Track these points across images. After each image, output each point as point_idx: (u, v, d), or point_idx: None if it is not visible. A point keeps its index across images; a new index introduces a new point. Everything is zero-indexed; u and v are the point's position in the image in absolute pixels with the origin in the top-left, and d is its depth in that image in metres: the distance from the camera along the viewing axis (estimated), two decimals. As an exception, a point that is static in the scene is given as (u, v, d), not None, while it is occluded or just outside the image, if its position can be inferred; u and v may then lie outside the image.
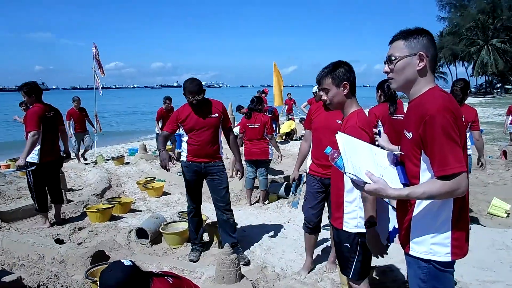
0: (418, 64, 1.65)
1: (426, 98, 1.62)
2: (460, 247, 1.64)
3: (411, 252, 1.72)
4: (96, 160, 9.71)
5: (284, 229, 4.69)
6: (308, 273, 3.54)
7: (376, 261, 3.67)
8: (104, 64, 10.41)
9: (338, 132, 1.81)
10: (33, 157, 4.65)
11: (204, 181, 3.95)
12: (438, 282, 1.67)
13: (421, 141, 1.58)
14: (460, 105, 4.16)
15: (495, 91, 54.88)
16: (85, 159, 9.88)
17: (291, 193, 4.20)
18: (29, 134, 4.56)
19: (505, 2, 47.16)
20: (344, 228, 2.31)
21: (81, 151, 9.77)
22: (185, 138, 3.88)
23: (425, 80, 1.66)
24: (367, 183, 1.57)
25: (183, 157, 3.92)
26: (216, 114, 3.77)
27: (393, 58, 1.70)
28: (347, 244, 2.30)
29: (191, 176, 3.87)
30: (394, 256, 3.77)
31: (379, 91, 3.96)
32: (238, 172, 4.03)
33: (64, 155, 5.30)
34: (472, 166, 4.75)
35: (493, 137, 12.26)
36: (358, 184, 1.63)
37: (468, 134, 4.23)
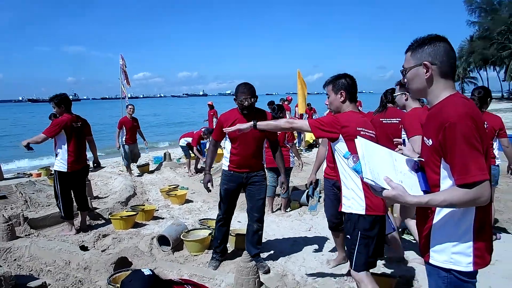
0: (425, 74, 1.64)
1: (445, 105, 1.58)
2: (482, 257, 1.59)
3: (431, 261, 1.67)
4: (122, 169, 9.92)
5: (306, 237, 4.64)
6: (336, 265, 3.75)
7: (400, 271, 3.58)
8: (132, 74, 10.79)
9: (358, 136, 1.81)
10: (62, 166, 4.84)
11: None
12: None
13: (441, 148, 1.55)
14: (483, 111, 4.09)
15: (529, 96, 52.78)
16: (130, 170, 9.18)
17: (309, 197, 4.17)
18: (41, 133, 4.78)
19: (538, 5, 45.54)
20: (343, 209, 2.56)
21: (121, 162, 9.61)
22: (228, 146, 3.77)
23: (441, 88, 1.64)
24: (385, 189, 1.55)
25: (224, 166, 3.81)
26: None
27: (404, 69, 1.73)
28: (348, 236, 2.54)
29: (232, 186, 3.76)
30: (419, 266, 3.67)
31: (382, 97, 4.12)
32: (283, 185, 3.89)
33: (95, 164, 5.48)
34: (502, 174, 4.56)
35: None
36: (376, 190, 1.60)
37: (495, 143, 4.14)
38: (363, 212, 2.48)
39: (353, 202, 2.50)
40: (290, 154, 5.72)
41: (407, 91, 3.82)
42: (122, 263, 3.82)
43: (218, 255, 3.97)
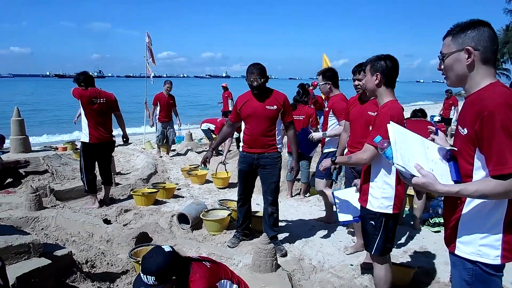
0: (467, 59, 1.57)
1: (485, 93, 1.53)
2: (511, 251, 1.56)
3: (457, 252, 1.65)
4: (144, 146, 10.08)
5: (324, 222, 4.64)
6: (354, 252, 3.77)
7: (419, 262, 3.55)
8: (156, 54, 10.67)
9: (390, 122, 1.78)
10: (84, 137, 5.01)
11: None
12: (485, 286, 1.60)
13: (477, 138, 1.50)
14: None
15: None
16: (168, 153, 8.97)
17: (333, 182, 4.16)
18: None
19: None
20: (367, 207, 2.55)
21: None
22: (242, 127, 3.86)
23: (482, 75, 1.57)
24: (414, 176, 1.53)
25: (240, 148, 3.90)
26: (275, 106, 3.64)
27: (442, 55, 1.66)
28: (372, 222, 2.54)
29: (244, 167, 3.84)
30: (438, 257, 3.63)
31: None
32: (293, 169, 3.92)
33: (124, 139, 5.62)
34: None
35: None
36: (406, 177, 1.59)
37: None
38: (390, 211, 2.52)
39: (382, 202, 2.51)
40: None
41: (329, 81, 4.20)
42: (142, 238, 3.92)
43: (240, 234, 4.04)
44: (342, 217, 3.18)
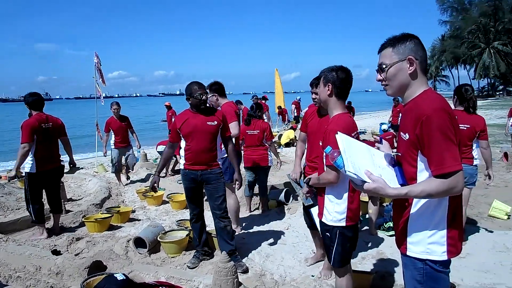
0: (409, 68, 1.68)
1: (421, 100, 1.64)
2: (455, 246, 1.66)
3: (408, 253, 1.72)
4: (97, 170, 9.69)
5: (284, 235, 4.65)
6: (314, 263, 3.78)
7: (377, 267, 3.63)
8: (107, 73, 10.44)
9: (338, 132, 1.85)
10: (30, 167, 4.68)
11: None
12: (435, 283, 1.68)
13: (418, 142, 1.60)
14: (474, 111, 4.00)
15: (497, 93, 54.74)
16: (128, 178, 8.30)
17: (297, 194, 4.16)
18: (21, 144, 4.58)
19: (507, 5, 47.18)
20: (323, 220, 2.59)
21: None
22: (182, 145, 3.84)
23: (418, 83, 1.69)
24: (366, 182, 1.59)
25: (181, 165, 3.89)
26: (215, 121, 3.74)
27: (384, 66, 1.74)
28: (328, 234, 2.57)
29: (188, 184, 3.86)
30: (395, 261, 3.73)
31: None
32: (237, 182, 3.96)
33: (70, 165, 5.36)
34: (483, 183, 4.52)
35: (494, 139, 12.16)
36: (357, 184, 1.65)
37: (474, 144, 3.98)
38: (343, 224, 2.51)
39: (335, 215, 2.51)
40: (269, 152, 5.72)
41: (215, 93, 4.47)
42: (96, 267, 3.72)
43: (200, 253, 3.98)
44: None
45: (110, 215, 5.26)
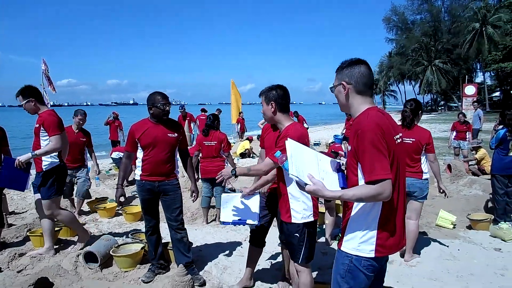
0: (344, 91, 1.96)
1: (361, 117, 1.88)
2: (384, 246, 1.86)
3: (341, 248, 1.95)
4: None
5: (241, 247, 4.62)
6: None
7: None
8: (55, 81, 9.97)
9: (288, 138, 2.07)
10: None
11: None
12: (353, 280, 1.90)
13: (356, 153, 1.82)
14: (411, 126, 4.05)
15: (440, 108, 58.47)
16: (78, 209, 6.31)
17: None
18: None
19: (445, 26, 50.85)
20: (293, 221, 2.70)
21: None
22: (140, 155, 3.73)
23: (359, 102, 1.95)
24: (307, 184, 1.81)
25: (137, 176, 3.78)
26: (175, 133, 3.71)
27: (330, 88, 2.09)
28: (297, 234, 2.70)
29: (145, 195, 3.75)
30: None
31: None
32: (193, 194, 3.93)
33: None
34: (429, 193, 4.50)
35: (438, 151, 12.93)
36: (301, 185, 1.85)
37: (423, 158, 4.06)
38: (312, 219, 2.74)
39: (304, 213, 2.70)
40: (226, 164, 5.70)
41: (32, 97, 4.11)
42: (42, 284, 3.48)
43: (155, 267, 3.86)
44: (224, 217, 3.27)
45: (58, 228, 4.96)
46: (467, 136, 10.08)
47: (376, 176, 1.72)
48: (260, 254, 3.60)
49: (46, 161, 4.19)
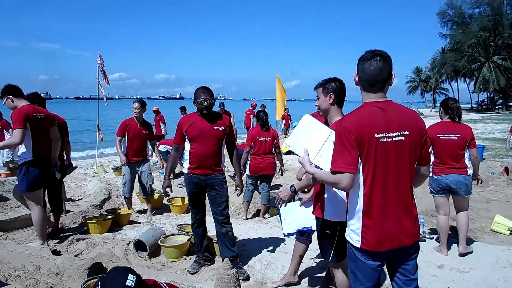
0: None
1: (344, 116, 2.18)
2: (368, 239, 1.96)
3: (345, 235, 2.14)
4: (96, 171, 9.66)
5: (285, 243, 4.62)
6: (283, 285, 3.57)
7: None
8: (108, 75, 10.39)
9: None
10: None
11: None
12: (353, 263, 2.07)
13: None
14: (457, 121, 4.15)
15: (497, 107, 55.00)
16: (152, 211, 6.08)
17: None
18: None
19: (507, 20, 47.54)
20: (325, 217, 2.69)
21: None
22: (187, 148, 3.82)
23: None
24: (299, 156, 2.19)
25: (185, 169, 3.88)
26: (222, 127, 3.76)
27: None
28: (328, 231, 2.70)
29: (192, 188, 3.85)
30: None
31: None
32: (238, 188, 3.98)
33: (69, 166, 5.31)
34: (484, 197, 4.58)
35: (495, 153, 12.19)
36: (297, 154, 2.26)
37: (466, 153, 4.14)
38: (343, 220, 2.58)
39: (337, 212, 2.60)
40: (275, 160, 5.72)
41: (9, 95, 4.24)
42: (96, 269, 3.68)
43: (201, 259, 3.96)
44: (287, 229, 3.24)
45: (110, 216, 5.23)
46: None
47: (335, 168, 1.92)
48: (306, 251, 3.57)
49: (20, 154, 4.30)
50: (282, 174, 5.92)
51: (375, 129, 1.91)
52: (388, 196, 1.95)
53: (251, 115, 15.07)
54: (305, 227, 3.03)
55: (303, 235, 3.39)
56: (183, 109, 11.66)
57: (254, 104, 15.93)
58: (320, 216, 2.70)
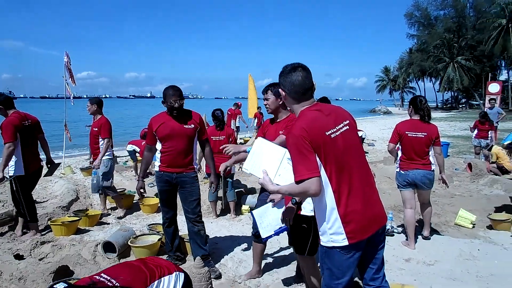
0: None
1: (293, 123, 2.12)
2: (354, 232, 1.99)
3: (321, 243, 2.11)
4: (63, 171, 9.35)
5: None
6: (247, 280, 3.61)
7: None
8: (75, 73, 10.13)
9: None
10: (19, 170, 4.57)
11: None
12: (328, 261, 2.08)
13: None
14: (426, 121, 4.31)
15: (460, 106, 57.18)
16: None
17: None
18: (5, 143, 4.44)
19: (470, 22, 49.46)
20: (302, 213, 2.77)
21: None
22: (158, 147, 3.78)
23: (294, 107, 2.21)
24: (259, 178, 2.13)
25: (156, 167, 3.83)
26: (192, 124, 3.73)
27: None
28: (305, 225, 2.78)
29: (162, 186, 3.80)
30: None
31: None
32: (212, 184, 3.96)
33: (48, 164, 5.17)
34: (448, 192, 4.77)
35: (458, 150, 12.68)
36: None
37: (431, 151, 4.35)
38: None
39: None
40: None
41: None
42: (62, 272, 3.57)
43: (172, 259, 3.91)
44: (265, 233, 3.22)
45: (78, 218, 5.08)
46: (489, 135, 9.80)
47: (299, 177, 1.90)
48: (264, 249, 3.65)
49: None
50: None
51: (324, 128, 1.99)
52: (354, 183, 2.01)
53: (233, 117, 14.69)
54: (281, 227, 3.04)
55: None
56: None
57: (240, 103, 15.70)
58: (298, 212, 2.76)
